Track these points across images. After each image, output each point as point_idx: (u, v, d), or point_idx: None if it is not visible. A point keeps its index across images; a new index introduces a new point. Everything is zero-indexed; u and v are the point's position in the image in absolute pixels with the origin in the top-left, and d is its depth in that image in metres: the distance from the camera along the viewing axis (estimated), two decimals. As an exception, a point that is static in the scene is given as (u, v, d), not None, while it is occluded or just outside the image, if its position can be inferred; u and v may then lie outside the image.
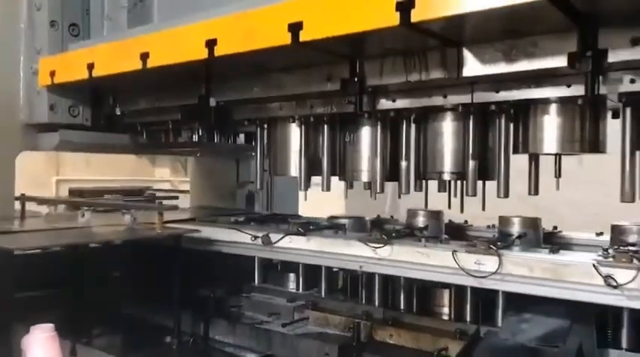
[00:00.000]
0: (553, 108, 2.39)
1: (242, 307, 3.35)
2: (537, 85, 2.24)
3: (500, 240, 2.44)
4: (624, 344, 2.28)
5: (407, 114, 2.76)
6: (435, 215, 2.90)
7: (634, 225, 2.48)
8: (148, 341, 3.15)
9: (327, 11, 2.09)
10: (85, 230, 3.12)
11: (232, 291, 3.46)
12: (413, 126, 2.78)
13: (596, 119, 2.38)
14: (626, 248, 2.19)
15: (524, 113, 2.48)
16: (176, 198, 5.24)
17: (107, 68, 3.02)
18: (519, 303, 2.42)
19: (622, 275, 1.98)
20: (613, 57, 1.92)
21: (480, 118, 2.59)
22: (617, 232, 2.51)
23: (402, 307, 2.92)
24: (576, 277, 2.08)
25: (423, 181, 2.82)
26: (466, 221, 3.22)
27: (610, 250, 2.18)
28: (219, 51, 2.45)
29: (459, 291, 2.74)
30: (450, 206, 2.86)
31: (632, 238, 2.44)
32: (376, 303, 2.99)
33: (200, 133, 3.96)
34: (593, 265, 2.03)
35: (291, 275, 3.50)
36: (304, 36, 2.15)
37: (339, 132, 3.08)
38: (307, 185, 3.14)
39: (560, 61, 2.01)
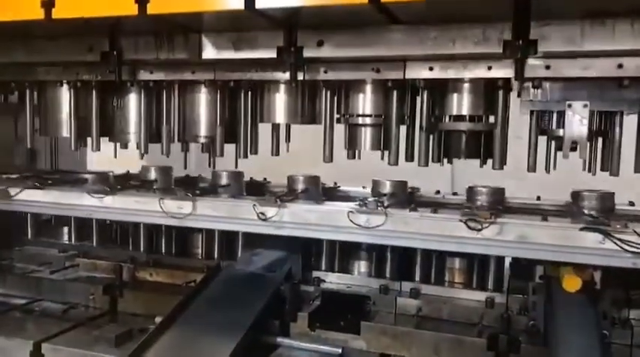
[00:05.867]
0: (282, 88, 3.00)
1: (13, 259, 3.54)
2: (262, 70, 2.81)
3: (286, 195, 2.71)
4: (323, 267, 3.05)
5: (167, 84, 3.16)
6: (237, 175, 3.04)
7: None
8: None
9: (77, -7, 2.37)
10: None
11: (3, 245, 3.60)
12: (173, 95, 3.20)
13: (314, 98, 3.06)
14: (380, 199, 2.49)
15: (261, 90, 3.06)
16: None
17: None
18: (254, 242, 3.04)
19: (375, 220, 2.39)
20: (307, 53, 2.54)
21: (227, 92, 3.10)
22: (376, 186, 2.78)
23: (163, 250, 3.41)
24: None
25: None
26: (265, 179, 3.56)
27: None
28: (-28, 17, 2.55)
29: (209, 235, 3.29)
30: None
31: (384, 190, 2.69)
32: (141, 248, 3.43)
33: (-38, 92, 3.88)
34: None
35: (65, 228, 3.74)
36: (57, 13, 2.40)
37: (108, 97, 3.36)
38: (78, 146, 3.38)
39: (271, 53, 2.58)
